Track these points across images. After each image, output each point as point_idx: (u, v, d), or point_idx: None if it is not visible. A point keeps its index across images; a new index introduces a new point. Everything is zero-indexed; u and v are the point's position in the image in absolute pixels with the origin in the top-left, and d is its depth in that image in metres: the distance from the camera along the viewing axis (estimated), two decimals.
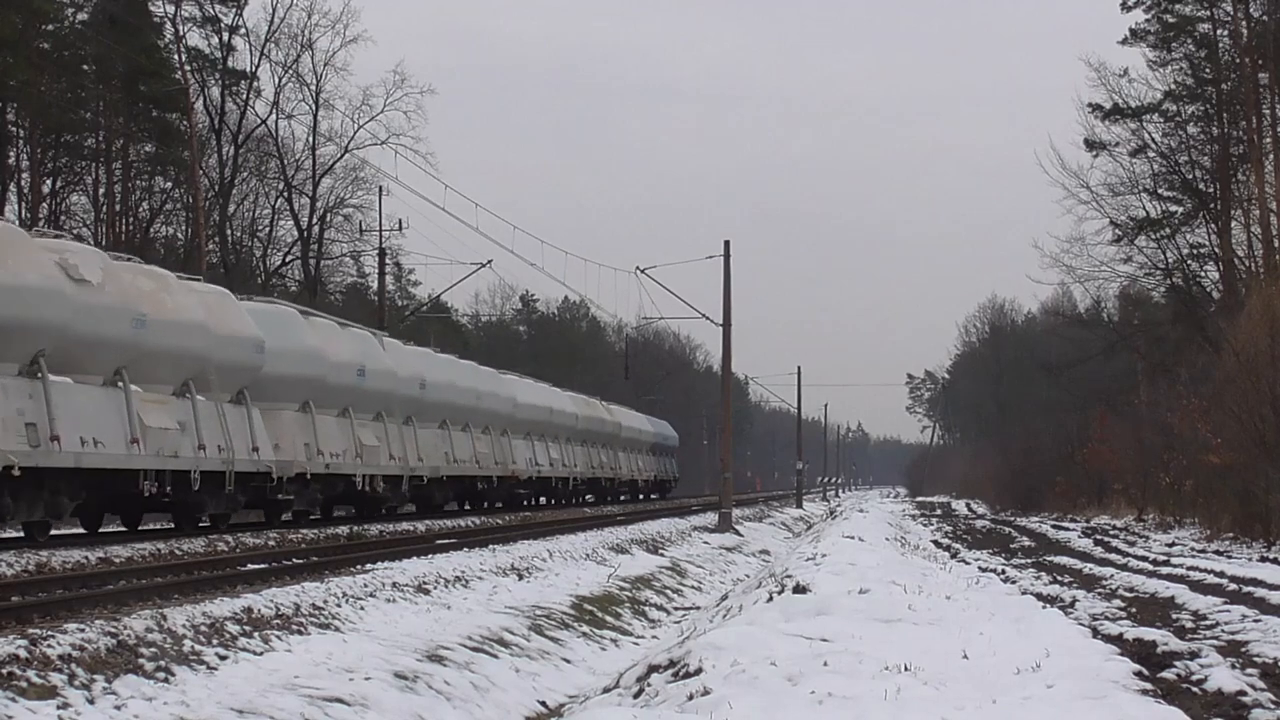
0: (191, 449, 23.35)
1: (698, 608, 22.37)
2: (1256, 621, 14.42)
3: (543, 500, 52.65)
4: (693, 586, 26.15)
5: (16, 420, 19.01)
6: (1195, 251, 49.22)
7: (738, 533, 42.49)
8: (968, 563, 24.74)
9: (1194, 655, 11.65)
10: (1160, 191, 48.96)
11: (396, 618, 14.98)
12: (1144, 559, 25.86)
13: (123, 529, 25.55)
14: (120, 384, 21.78)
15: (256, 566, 19.03)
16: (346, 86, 77.69)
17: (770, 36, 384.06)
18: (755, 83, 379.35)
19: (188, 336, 23.61)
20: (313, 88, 58.90)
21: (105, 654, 10.56)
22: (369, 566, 18.73)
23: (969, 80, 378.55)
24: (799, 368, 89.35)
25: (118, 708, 9.50)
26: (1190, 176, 48.83)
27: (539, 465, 47.16)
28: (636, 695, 10.50)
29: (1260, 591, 17.73)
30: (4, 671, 9.51)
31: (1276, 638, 13.02)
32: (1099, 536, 35.98)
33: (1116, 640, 12.38)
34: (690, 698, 9.12)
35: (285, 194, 60.35)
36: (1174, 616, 15.62)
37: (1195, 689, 10.15)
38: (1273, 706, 9.43)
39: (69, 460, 19.92)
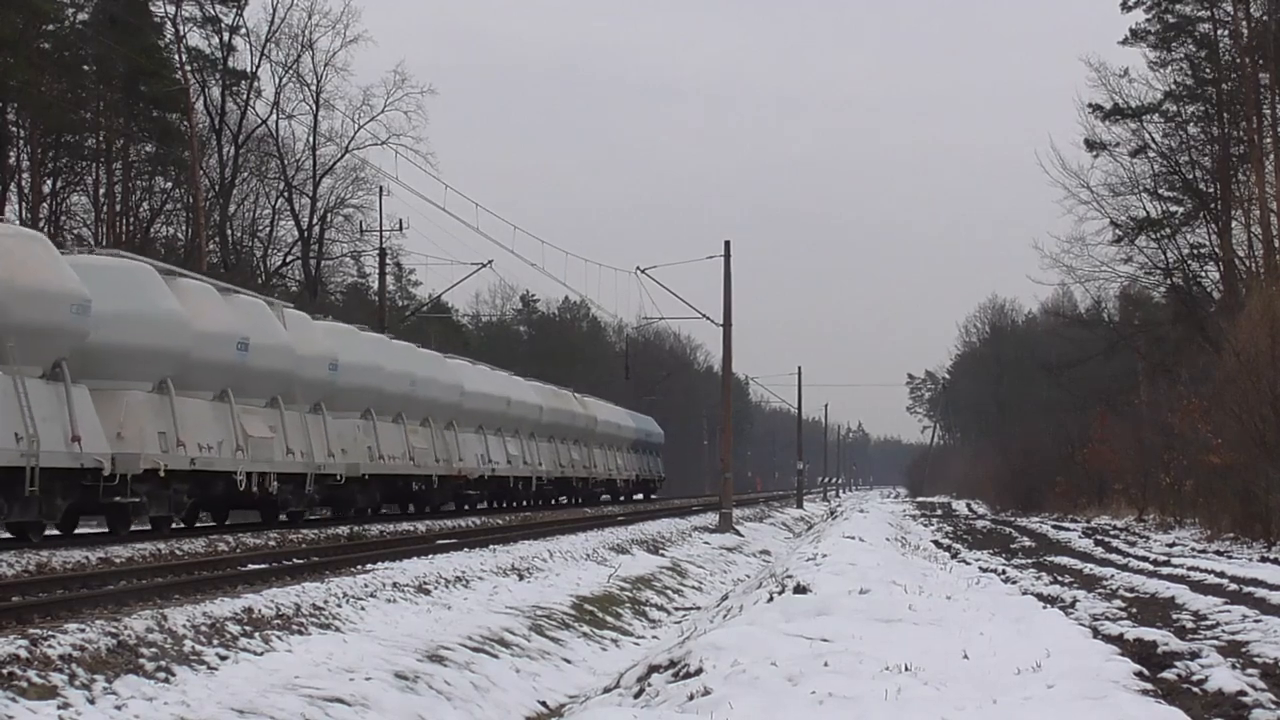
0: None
1: (698, 608, 22.37)
2: (1257, 622, 14.42)
3: (514, 503, 48.13)
4: (693, 587, 26.15)
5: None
6: (1195, 252, 49.24)
7: (738, 533, 42.48)
8: (968, 563, 24.74)
9: (1194, 655, 11.65)
10: (1160, 192, 48.97)
11: (397, 618, 14.98)
12: (1144, 559, 25.87)
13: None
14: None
15: (257, 566, 19.03)
16: (347, 87, 77.90)
17: (770, 36, 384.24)
18: (755, 83, 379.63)
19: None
20: (313, 88, 58.92)
21: (106, 654, 10.56)
22: (369, 567, 18.74)
23: (969, 80, 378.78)
24: (799, 368, 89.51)
25: (118, 708, 9.50)
26: (1190, 176, 48.83)
27: (493, 463, 41.99)
28: (637, 695, 10.50)
29: (1261, 592, 17.73)
30: (5, 671, 9.52)
31: (1277, 638, 13.02)
32: (1099, 537, 35.98)
33: (1117, 640, 12.38)
34: (691, 698, 9.12)
35: (285, 194, 60.35)
36: (1174, 617, 15.61)
37: (1196, 689, 10.15)
38: (1273, 707, 9.43)
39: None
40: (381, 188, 54.70)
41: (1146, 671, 10.36)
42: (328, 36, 60.12)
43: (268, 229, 61.35)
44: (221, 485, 25.30)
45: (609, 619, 19.34)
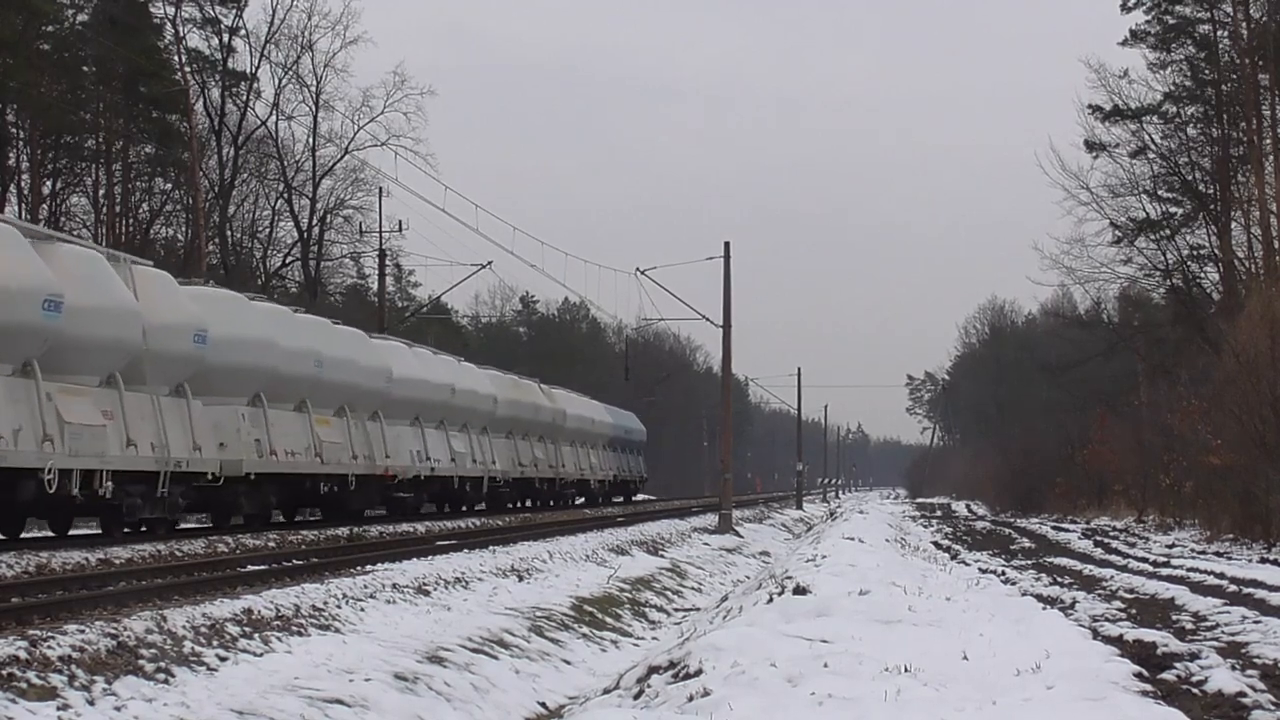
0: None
1: (698, 609, 22.37)
2: (1256, 623, 14.42)
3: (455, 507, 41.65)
4: (693, 588, 26.15)
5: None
6: (1195, 253, 49.28)
7: (738, 534, 42.48)
8: (968, 564, 24.75)
9: (1194, 656, 11.65)
10: (1160, 193, 49.02)
11: (396, 619, 14.98)
12: (1144, 560, 25.87)
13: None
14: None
15: (256, 568, 19.03)
16: (346, 88, 77.93)
17: (770, 37, 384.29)
18: (755, 83, 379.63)
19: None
20: (313, 89, 58.94)
21: (105, 655, 10.56)
22: (369, 568, 18.74)
23: (969, 80, 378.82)
24: (799, 369, 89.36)
25: (118, 709, 9.50)
26: (1190, 178, 48.86)
27: (433, 461, 36.47)
28: (636, 696, 10.51)
29: (1260, 593, 17.73)
30: (4, 673, 9.51)
31: (1276, 639, 13.02)
32: (1099, 538, 35.99)
33: (1117, 641, 12.38)
34: (690, 699, 9.12)
35: (285, 195, 60.37)
36: (1174, 618, 15.62)
37: (1195, 690, 10.16)
38: (1273, 708, 9.44)
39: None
40: (381, 189, 54.75)
41: (1146, 672, 10.37)
42: (327, 38, 60.14)
43: (267, 230, 61.42)
44: (28, 487, 19.59)
45: (608, 620, 19.34)
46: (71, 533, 23.80)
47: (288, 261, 61.74)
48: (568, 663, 15.59)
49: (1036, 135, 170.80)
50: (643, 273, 46.05)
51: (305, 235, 60.60)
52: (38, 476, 19.45)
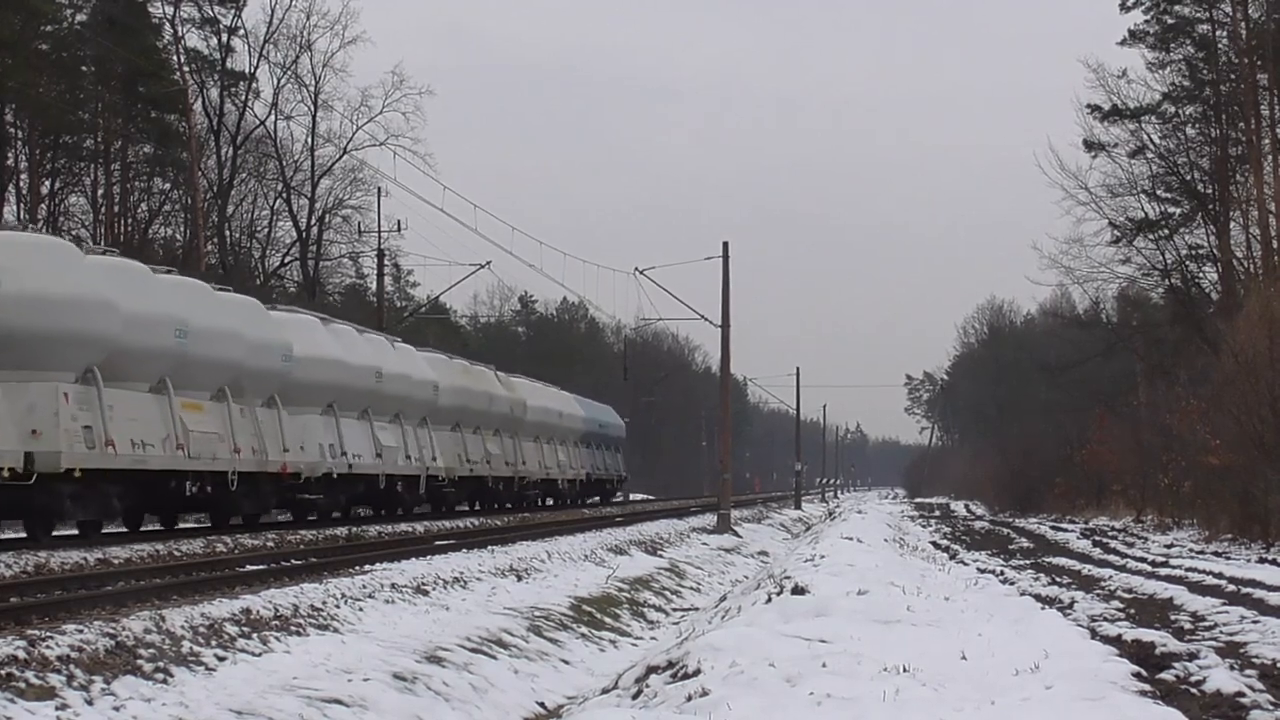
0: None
1: (696, 609, 22.38)
2: (1255, 623, 14.42)
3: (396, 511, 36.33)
4: (691, 588, 26.16)
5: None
6: (1194, 253, 49.29)
7: (736, 534, 42.48)
8: (966, 564, 24.76)
9: (1192, 656, 11.65)
10: (1159, 193, 49.01)
11: (395, 619, 14.98)
12: (1143, 560, 25.88)
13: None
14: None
15: (255, 568, 19.04)
16: (345, 88, 77.53)
17: (770, 37, 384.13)
18: (755, 83, 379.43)
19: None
20: (311, 89, 58.94)
21: (104, 655, 10.56)
22: (367, 567, 18.75)
23: (968, 80, 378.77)
24: (797, 369, 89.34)
25: (116, 709, 9.50)
26: (1189, 178, 48.87)
27: (351, 456, 31.34)
28: (635, 696, 10.51)
29: (1259, 593, 17.73)
30: (3, 673, 9.51)
31: (1275, 639, 13.02)
32: (1098, 537, 36.00)
33: (1115, 641, 12.38)
34: (689, 699, 9.13)
35: (284, 195, 60.37)
36: (1172, 618, 15.62)
37: (1194, 690, 10.16)
38: (1271, 708, 9.44)
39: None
40: (380, 189, 54.71)
41: (1144, 672, 10.37)
42: (326, 37, 60.06)
43: (266, 230, 61.43)
44: None
45: (607, 620, 19.34)
46: None
47: (286, 261, 61.78)
48: (566, 662, 15.60)
49: (1035, 135, 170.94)
50: (641, 272, 46.09)
51: (304, 235, 60.62)
52: None
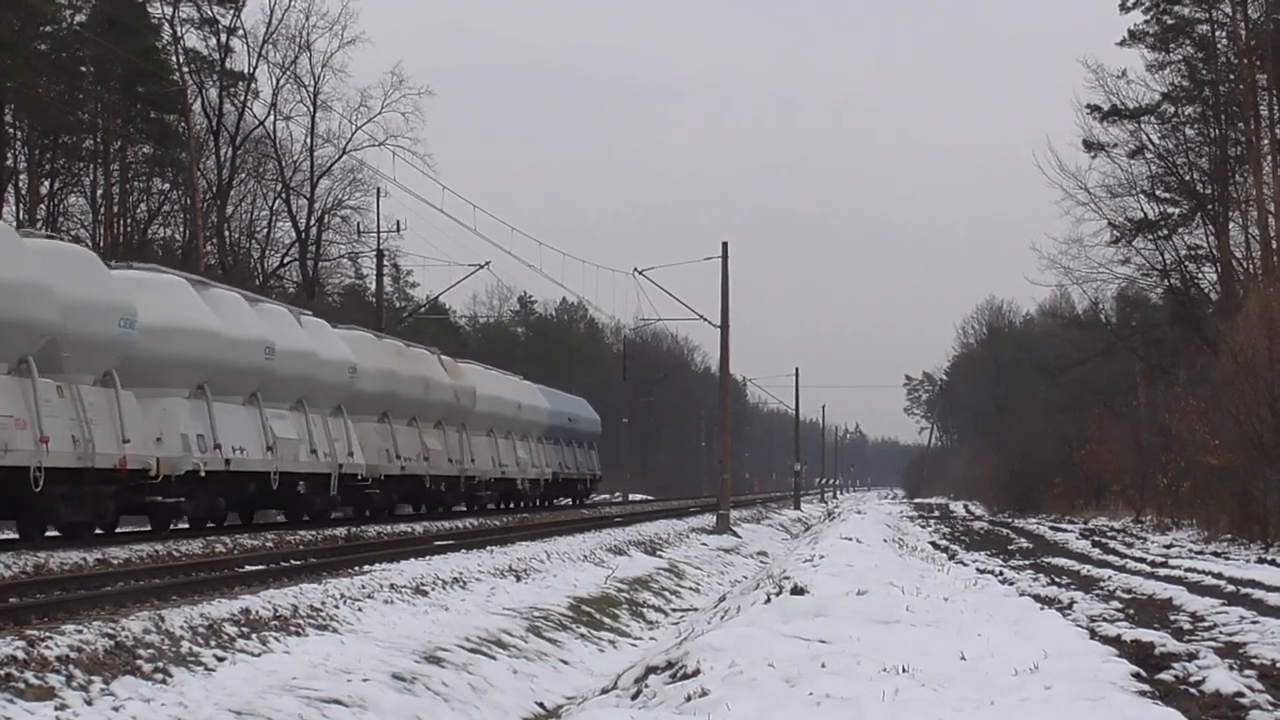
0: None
1: (695, 609, 22.37)
2: (1254, 623, 14.42)
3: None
4: (690, 588, 26.15)
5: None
6: (1193, 253, 49.31)
7: (735, 534, 42.48)
8: (966, 564, 24.75)
9: (1192, 657, 11.65)
10: (1158, 193, 49.03)
11: (394, 619, 14.98)
12: (1142, 560, 25.88)
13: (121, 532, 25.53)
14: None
15: (254, 568, 19.02)
16: (344, 88, 77.84)
17: (770, 37, 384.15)
18: (754, 83, 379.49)
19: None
20: (310, 89, 58.97)
21: (103, 655, 10.56)
22: (367, 568, 18.75)
23: (968, 80, 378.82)
24: (796, 369, 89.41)
25: (115, 709, 9.49)
26: (1188, 178, 48.90)
27: (230, 450, 25.55)
28: (634, 696, 10.51)
29: (1258, 593, 17.73)
30: (2, 673, 9.51)
31: (1274, 639, 13.02)
32: (1097, 538, 36.00)
33: (1114, 642, 12.39)
34: (688, 699, 9.12)
35: (283, 195, 60.37)
36: (1172, 618, 15.62)
37: (1193, 690, 10.16)
38: (1270, 708, 9.43)
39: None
40: (379, 189, 54.71)
41: (1144, 673, 10.37)
42: (325, 38, 60.11)
43: (265, 230, 61.47)
44: None
45: (606, 620, 19.34)
46: None
47: (285, 262, 61.79)
48: (565, 663, 15.59)
49: (1035, 135, 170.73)
50: (641, 273, 46.11)
51: (303, 235, 60.63)
52: None
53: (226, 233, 58.48)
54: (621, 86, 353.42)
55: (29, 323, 19.78)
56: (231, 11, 56.48)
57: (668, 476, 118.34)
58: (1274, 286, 34.67)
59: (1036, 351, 76.56)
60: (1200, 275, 50.02)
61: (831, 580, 16.25)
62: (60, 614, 12.87)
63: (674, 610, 22.43)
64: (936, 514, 67.95)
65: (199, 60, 57.00)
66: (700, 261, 45.45)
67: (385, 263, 55.38)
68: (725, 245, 44.59)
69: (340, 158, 59.84)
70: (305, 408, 29.34)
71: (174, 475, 23.63)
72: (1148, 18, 49.52)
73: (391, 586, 16.78)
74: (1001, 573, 23.29)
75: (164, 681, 10.47)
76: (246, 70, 57.69)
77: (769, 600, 14.79)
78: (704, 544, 36.23)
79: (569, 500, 55.74)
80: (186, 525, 26.92)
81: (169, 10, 54.81)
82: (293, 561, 20.52)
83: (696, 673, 9.98)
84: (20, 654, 9.95)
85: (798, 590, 15.18)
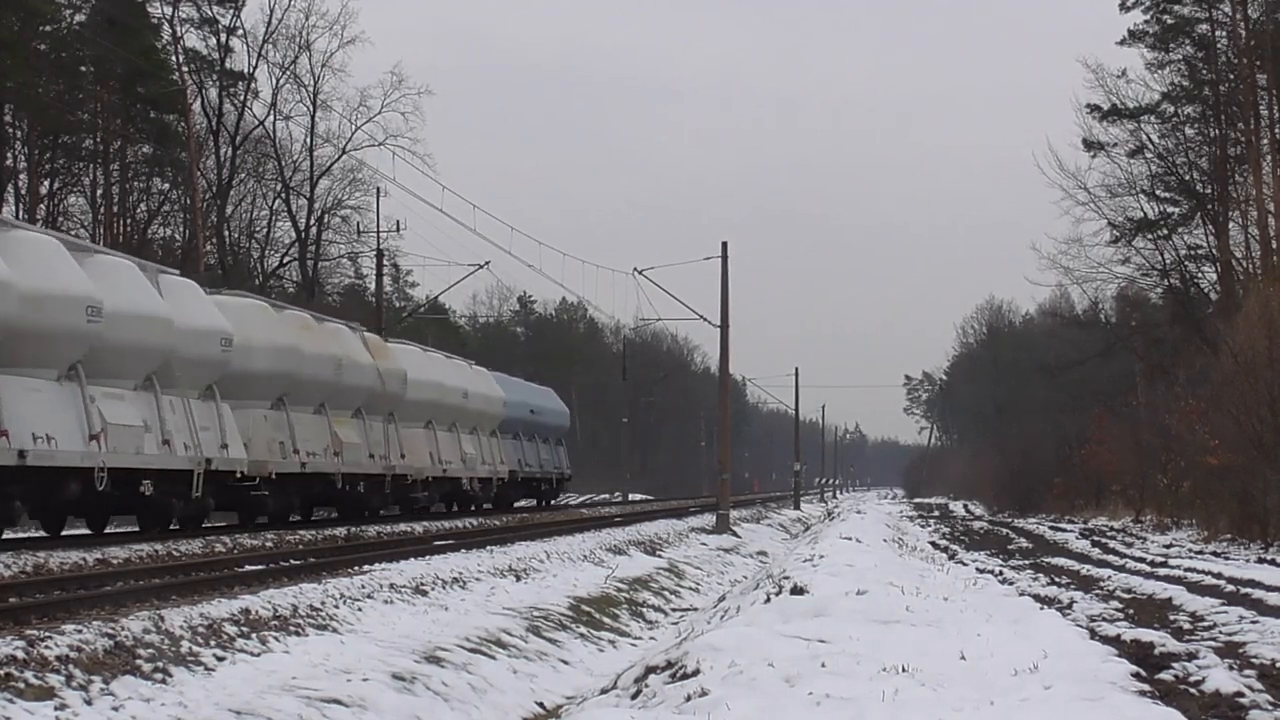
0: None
1: (695, 609, 22.37)
2: (1254, 623, 14.42)
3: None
4: (690, 588, 26.15)
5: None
6: (1193, 253, 49.33)
7: (735, 534, 42.47)
8: (965, 564, 24.75)
9: (1192, 656, 11.66)
10: (1158, 192, 49.05)
11: (394, 619, 14.98)
12: (1142, 560, 25.88)
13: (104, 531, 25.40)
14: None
15: (254, 568, 19.02)
16: (344, 88, 77.93)
17: (770, 36, 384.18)
18: (754, 83, 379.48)
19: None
20: (310, 89, 59.00)
21: (103, 655, 10.56)
22: (366, 568, 18.74)
23: (969, 80, 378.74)
24: (796, 369, 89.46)
25: (115, 709, 9.49)
26: (1188, 177, 48.91)
27: (35, 442, 19.67)
28: (634, 696, 10.50)
29: (1258, 593, 17.73)
30: (2, 673, 9.51)
31: (1274, 639, 13.02)
32: (1097, 538, 36.00)
33: (1114, 641, 12.39)
34: (688, 699, 9.12)
35: (283, 195, 60.40)
36: (1172, 618, 15.62)
37: (1193, 690, 10.16)
38: (1270, 708, 9.44)
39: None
40: (379, 189, 54.70)
41: (1144, 672, 10.36)
42: (325, 38, 60.15)
43: (265, 230, 61.51)
44: None
45: (606, 620, 19.34)
46: None
47: (285, 261, 61.82)
48: (565, 663, 15.59)
49: (1035, 135, 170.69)
50: (640, 273, 46.07)
51: (303, 235, 60.64)
52: None
53: (226, 232, 58.51)
54: (621, 86, 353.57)
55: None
56: (231, 11, 56.58)
57: (668, 476, 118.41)
58: (1274, 286, 34.67)
59: (1036, 351, 76.57)
60: (1200, 275, 50.09)
61: (831, 580, 16.25)
62: (60, 614, 12.86)
63: (674, 610, 22.43)
64: (936, 514, 67.94)
65: (199, 60, 57.04)
66: (700, 261, 45.49)
67: (385, 262, 55.37)
68: (725, 245, 44.63)
69: (340, 157, 59.94)
70: (156, 388, 23.49)
71: None
72: (1147, 17, 49.60)
73: (391, 586, 16.78)
74: (1001, 572, 23.29)
75: (164, 681, 10.47)
76: (246, 70, 57.79)
77: (769, 600, 14.79)
78: (704, 544, 36.22)
79: (533, 501, 51.11)
80: None
81: (169, 10, 54.94)
82: (292, 561, 20.52)
83: (696, 672, 9.98)
84: (20, 654, 9.95)
85: (797, 590, 15.18)
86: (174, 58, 54.93)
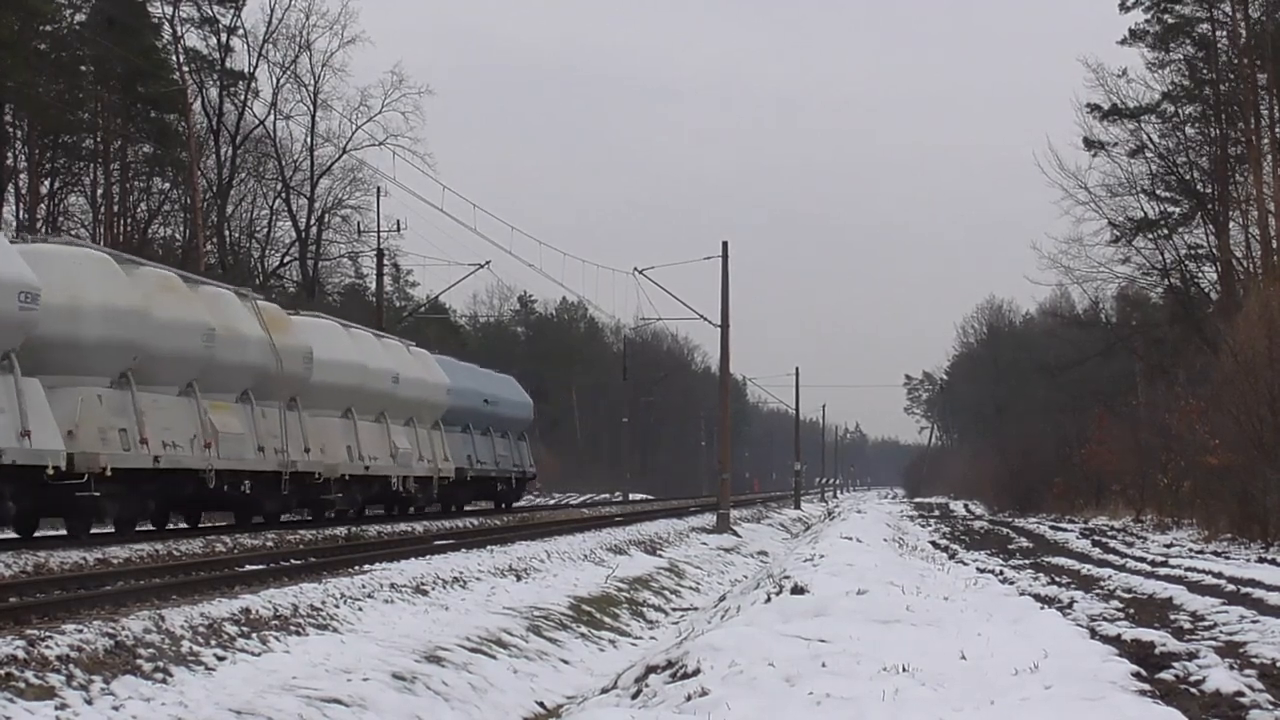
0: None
1: (696, 609, 22.37)
2: (1254, 622, 14.42)
3: None
4: (690, 587, 26.15)
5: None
6: (1193, 252, 49.31)
7: (736, 534, 42.47)
8: (966, 564, 24.75)
9: (1192, 656, 11.65)
10: (1158, 192, 49.03)
11: (394, 618, 14.98)
12: (1142, 560, 25.88)
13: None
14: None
15: (254, 567, 19.03)
16: (344, 87, 77.87)
17: (770, 36, 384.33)
18: (755, 83, 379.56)
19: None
20: (311, 89, 59.00)
21: (103, 655, 10.56)
22: (367, 567, 18.74)
23: (969, 80, 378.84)
24: (796, 369, 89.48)
25: (116, 708, 9.49)
26: (1188, 177, 48.89)
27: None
28: (635, 696, 10.50)
29: (1258, 592, 17.73)
30: (2, 672, 9.51)
31: (1274, 638, 13.02)
32: (1097, 537, 36.00)
33: (1114, 641, 12.39)
34: (688, 698, 9.12)
35: (283, 195, 60.40)
36: (1172, 617, 15.62)
37: (1193, 690, 10.16)
38: (1270, 707, 9.44)
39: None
40: (379, 188, 54.68)
41: (1144, 672, 10.36)
42: (325, 37, 60.16)
43: (265, 230, 61.50)
44: None
45: (606, 620, 19.34)
46: None
47: (286, 261, 61.82)
48: (566, 662, 15.59)
49: (1035, 135, 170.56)
50: (641, 272, 46.05)
51: (303, 235, 60.65)
52: None
53: (226, 232, 58.50)
54: (621, 86, 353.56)
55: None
56: (231, 11, 56.55)
57: (668, 476, 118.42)
58: (1274, 286, 34.66)
59: (1036, 351, 76.53)
60: (1200, 275, 50.09)
61: (831, 580, 16.25)
62: (60, 613, 12.86)
63: (674, 610, 22.43)
64: (936, 513, 67.93)
65: (199, 60, 57.03)
66: (700, 261, 45.49)
67: (385, 262, 55.35)
68: (725, 245, 44.63)
69: (340, 157, 59.93)
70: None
71: None
72: (1148, 17, 49.59)
73: (391, 586, 16.78)
74: (1001, 572, 23.29)
75: (164, 681, 10.47)
76: (246, 70, 57.77)
77: (769, 600, 14.79)
78: (704, 543, 36.22)
79: (491, 504, 46.07)
80: None
81: (169, 10, 54.90)
82: (293, 561, 20.53)
83: (696, 672, 9.98)
84: (20, 653, 9.95)
85: (798, 590, 15.18)
86: (174, 57, 54.94)
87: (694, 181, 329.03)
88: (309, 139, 59.63)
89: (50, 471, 20.32)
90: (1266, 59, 45.41)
